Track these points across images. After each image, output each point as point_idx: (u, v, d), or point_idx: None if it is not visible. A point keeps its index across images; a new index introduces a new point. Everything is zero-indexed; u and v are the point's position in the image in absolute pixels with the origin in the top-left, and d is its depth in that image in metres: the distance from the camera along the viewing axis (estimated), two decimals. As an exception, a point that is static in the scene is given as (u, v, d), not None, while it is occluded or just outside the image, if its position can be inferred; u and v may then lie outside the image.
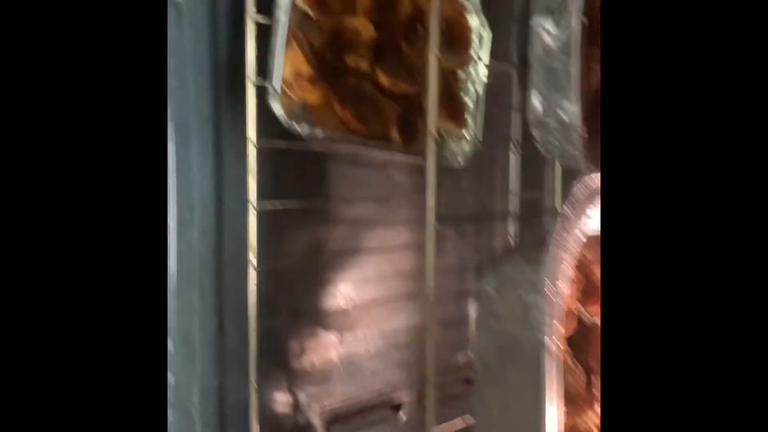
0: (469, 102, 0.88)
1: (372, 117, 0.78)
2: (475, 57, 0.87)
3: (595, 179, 0.52)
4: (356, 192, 1.00)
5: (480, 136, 0.88)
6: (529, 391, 0.51)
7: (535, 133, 0.59)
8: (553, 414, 0.49)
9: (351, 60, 0.75)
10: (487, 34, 0.87)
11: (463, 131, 0.87)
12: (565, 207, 0.50)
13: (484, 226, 1.14)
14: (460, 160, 0.87)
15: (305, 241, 0.92)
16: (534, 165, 1.06)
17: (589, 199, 0.52)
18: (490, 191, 1.12)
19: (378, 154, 0.83)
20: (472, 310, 1.01)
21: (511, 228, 1.09)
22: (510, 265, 0.54)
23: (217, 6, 0.71)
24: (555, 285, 0.50)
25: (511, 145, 1.02)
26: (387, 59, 0.78)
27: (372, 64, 0.77)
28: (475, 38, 0.87)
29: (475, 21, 0.86)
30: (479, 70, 0.87)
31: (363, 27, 0.75)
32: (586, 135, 0.54)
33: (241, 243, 0.72)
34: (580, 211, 0.52)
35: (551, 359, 0.49)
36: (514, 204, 1.11)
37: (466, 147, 0.87)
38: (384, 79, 0.78)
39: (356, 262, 1.00)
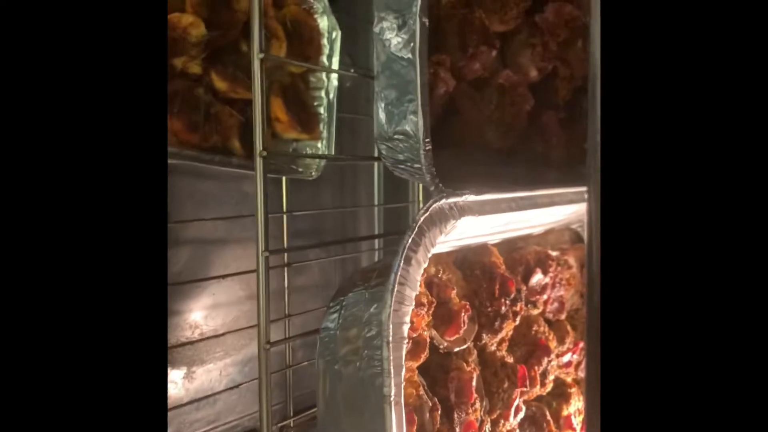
0: (322, 110, 0.81)
1: (207, 126, 0.69)
2: (326, 61, 0.80)
3: (443, 204, 0.47)
4: (202, 209, 0.90)
5: (333, 146, 0.82)
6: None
7: (382, 147, 0.53)
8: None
9: (179, 62, 0.66)
10: (338, 36, 0.81)
11: (317, 142, 0.80)
12: (407, 239, 0.45)
13: (349, 235, 1.08)
14: (314, 173, 0.80)
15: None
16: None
17: (437, 226, 0.47)
18: (353, 203, 1.06)
19: (218, 168, 0.73)
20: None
21: (377, 242, 1.04)
22: (352, 297, 0.48)
23: None
24: (400, 326, 0.44)
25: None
26: (222, 61, 0.69)
27: (205, 67, 0.68)
28: (325, 41, 0.80)
29: (324, 22, 0.80)
30: (331, 75, 0.81)
31: (192, 24, 0.66)
32: (429, 147, 0.49)
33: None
34: (429, 232, 0.46)
35: (397, 407, 0.43)
36: (378, 217, 1.07)
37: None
38: (220, 84, 0.69)
39: (205, 286, 0.90)
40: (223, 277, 0.84)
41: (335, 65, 0.81)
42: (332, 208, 0.98)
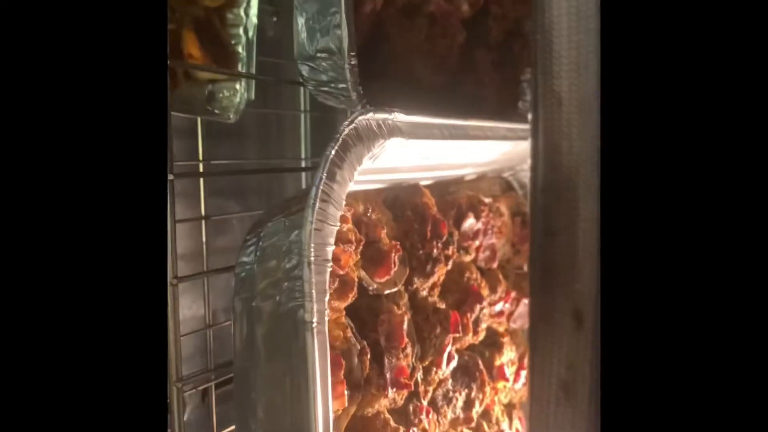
0: (240, 49, 0.75)
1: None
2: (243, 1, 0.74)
3: (369, 119, 0.42)
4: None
5: (254, 88, 0.76)
6: (300, 383, 0.40)
7: (303, 68, 0.48)
8: (325, 407, 0.39)
9: None
10: (257, -32, 0.74)
11: (236, 83, 0.74)
12: (330, 150, 0.40)
13: (274, 194, 1.02)
14: (232, 116, 0.74)
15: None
16: (328, 120, 0.97)
17: (363, 143, 0.42)
18: (279, 153, 1.00)
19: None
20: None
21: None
22: (271, 226, 0.43)
23: None
24: (323, 248, 0.40)
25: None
26: None
27: None
28: (242, -28, 0.74)
29: (242, -48, 0.73)
30: (250, 11, 0.75)
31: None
32: (355, 62, 0.44)
33: None
34: (354, 147, 0.42)
35: (320, 336, 0.39)
36: (306, 175, 1.01)
37: (239, 100, 0.74)
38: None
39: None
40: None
41: (254, 6, 0.75)
42: (255, 160, 0.92)
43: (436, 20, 0.61)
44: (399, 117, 0.46)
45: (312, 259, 0.39)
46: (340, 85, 0.46)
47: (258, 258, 0.43)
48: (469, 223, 0.67)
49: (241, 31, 0.74)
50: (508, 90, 0.75)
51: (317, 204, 0.39)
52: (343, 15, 0.44)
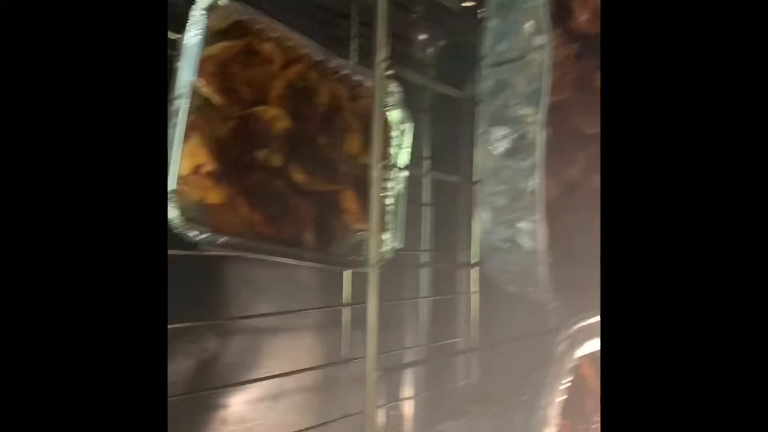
0: (390, 200, 0.79)
1: (284, 218, 0.67)
2: (395, 152, 0.79)
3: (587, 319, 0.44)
4: (256, 297, 0.87)
5: (400, 237, 0.80)
6: None
7: (486, 259, 0.51)
8: None
9: (261, 154, 0.65)
10: (410, 128, 0.80)
11: (383, 233, 0.78)
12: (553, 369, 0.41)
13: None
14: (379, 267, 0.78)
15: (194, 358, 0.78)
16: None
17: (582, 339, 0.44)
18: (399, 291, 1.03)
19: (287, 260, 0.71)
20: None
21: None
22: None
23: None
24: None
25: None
26: (303, 154, 0.68)
27: (286, 159, 0.67)
28: (395, 133, 0.79)
29: (395, 115, 0.79)
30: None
31: (276, 117, 0.65)
32: (550, 261, 0.47)
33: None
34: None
35: None
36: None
37: (386, 250, 0.78)
38: (299, 176, 0.68)
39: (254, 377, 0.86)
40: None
41: (404, 155, 0.80)
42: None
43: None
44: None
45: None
46: (528, 278, 0.48)
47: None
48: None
49: (393, 184, 0.79)
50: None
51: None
52: (539, 215, 0.47)
